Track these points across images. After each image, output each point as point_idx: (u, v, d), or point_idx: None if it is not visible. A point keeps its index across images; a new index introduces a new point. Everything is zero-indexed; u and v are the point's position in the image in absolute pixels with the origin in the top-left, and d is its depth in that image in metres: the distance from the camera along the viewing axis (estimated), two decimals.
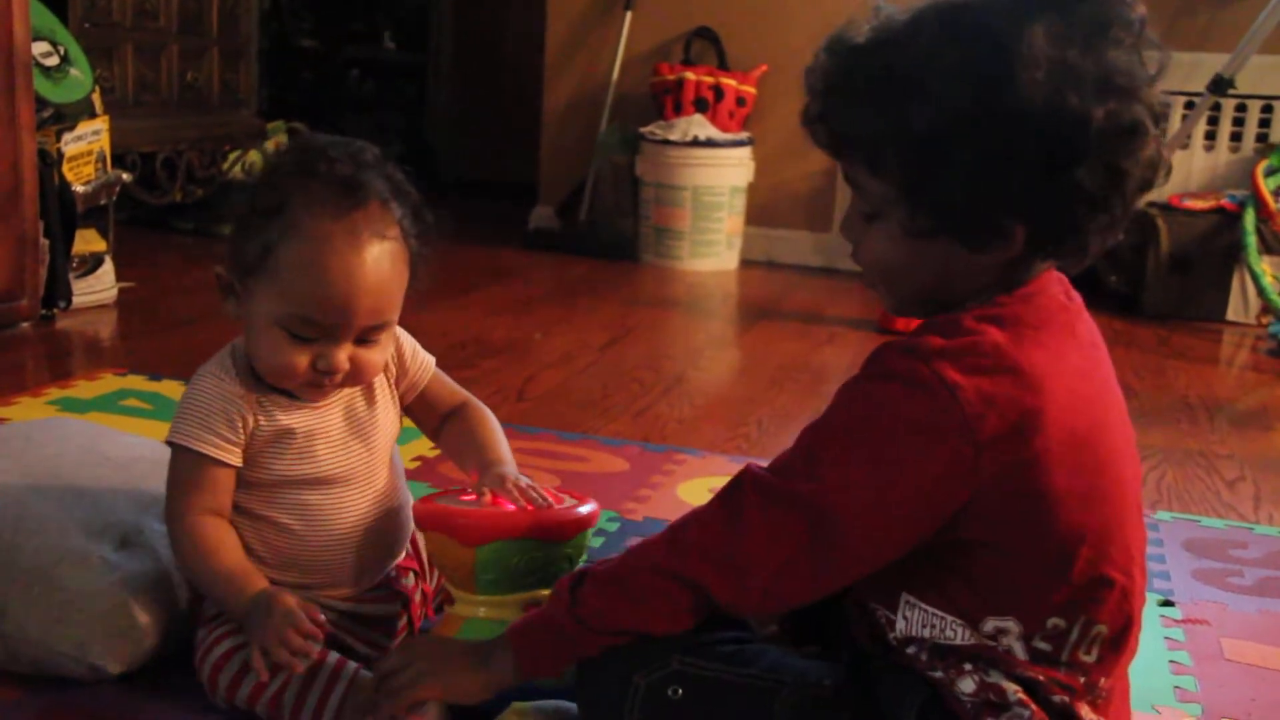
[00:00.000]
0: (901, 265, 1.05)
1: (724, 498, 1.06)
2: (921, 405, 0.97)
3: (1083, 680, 1.04)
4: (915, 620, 1.05)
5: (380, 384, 1.33)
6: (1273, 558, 1.87)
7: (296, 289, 1.19)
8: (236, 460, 1.24)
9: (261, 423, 1.25)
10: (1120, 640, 1.05)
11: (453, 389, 1.40)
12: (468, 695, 1.14)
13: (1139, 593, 1.06)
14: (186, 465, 1.25)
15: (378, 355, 1.25)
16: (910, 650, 1.05)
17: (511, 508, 1.26)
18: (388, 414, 1.34)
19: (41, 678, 1.27)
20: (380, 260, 1.20)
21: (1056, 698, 1.02)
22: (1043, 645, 1.02)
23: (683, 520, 1.08)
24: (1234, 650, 1.55)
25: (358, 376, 1.25)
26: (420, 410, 1.39)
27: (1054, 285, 1.06)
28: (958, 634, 1.03)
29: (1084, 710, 1.03)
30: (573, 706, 1.18)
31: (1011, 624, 1.02)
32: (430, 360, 1.38)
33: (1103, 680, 1.05)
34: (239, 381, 1.26)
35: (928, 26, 0.98)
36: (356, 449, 1.30)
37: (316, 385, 1.24)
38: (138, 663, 1.27)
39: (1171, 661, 1.50)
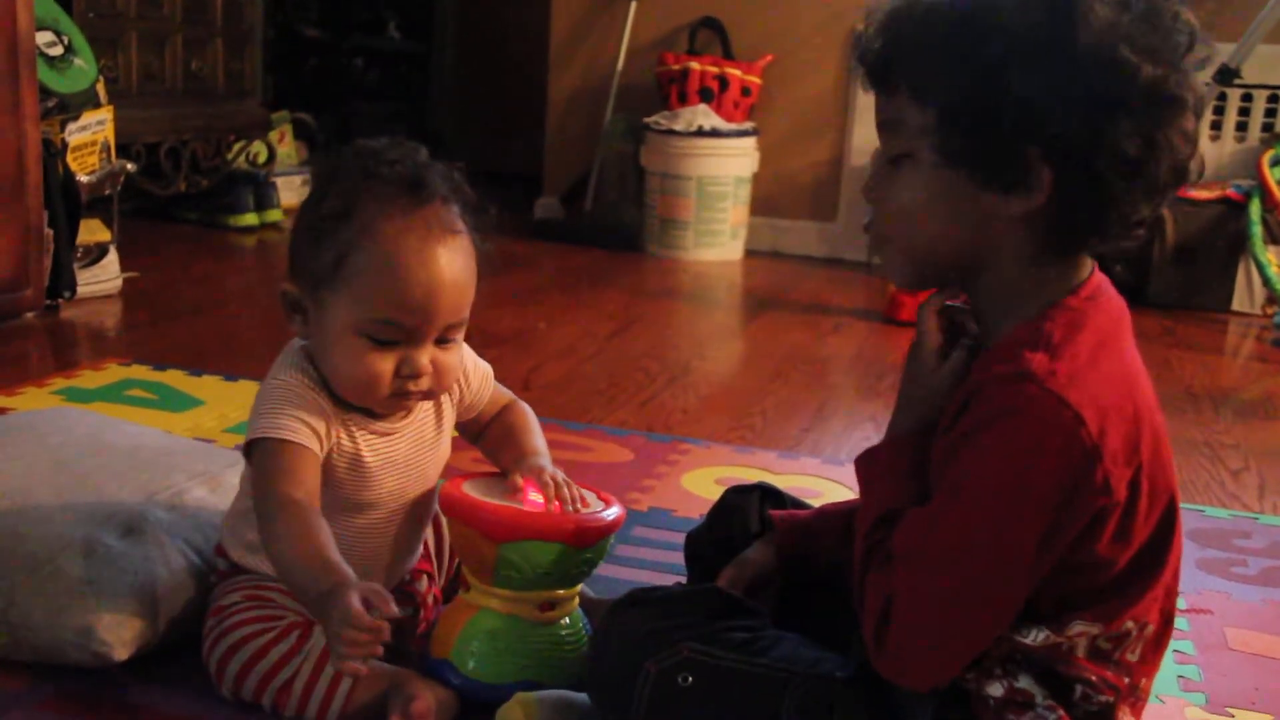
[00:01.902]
0: (923, 210, 1.04)
1: (875, 583, 1.04)
2: (1050, 432, 0.95)
3: (1127, 681, 1.04)
4: None
5: (446, 407, 1.33)
6: (1277, 547, 1.87)
7: (377, 292, 1.17)
8: (319, 450, 1.20)
9: (343, 440, 1.23)
10: (1162, 639, 1.06)
11: (499, 395, 1.40)
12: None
13: (1177, 589, 1.07)
14: (271, 454, 1.18)
15: (454, 357, 1.25)
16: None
17: (538, 507, 1.25)
18: (448, 437, 1.33)
19: (46, 666, 1.27)
20: (455, 255, 1.20)
21: (1103, 697, 1.03)
22: (1105, 645, 1.03)
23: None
24: (1238, 640, 1.55)
25: (439, 380, 1.23)
26: (468, 422, 1.39)
27: (1107, 284, 1.05)
28: (1031, 634, 1.02)
29: (1124, 713, 1.04)
30: (577, 696, 1.18)
31: (1096, 628, 1.02)
32: (488, 373, 1.38)
33: (1143, 681, 1.06)
34: (325, 395, 1.22)
35: None
36: (413, 475, 1.30)
37: (402, 395, 1.22)
38: (142, 650, 1.28)
39: (1175, 651, 1.50)
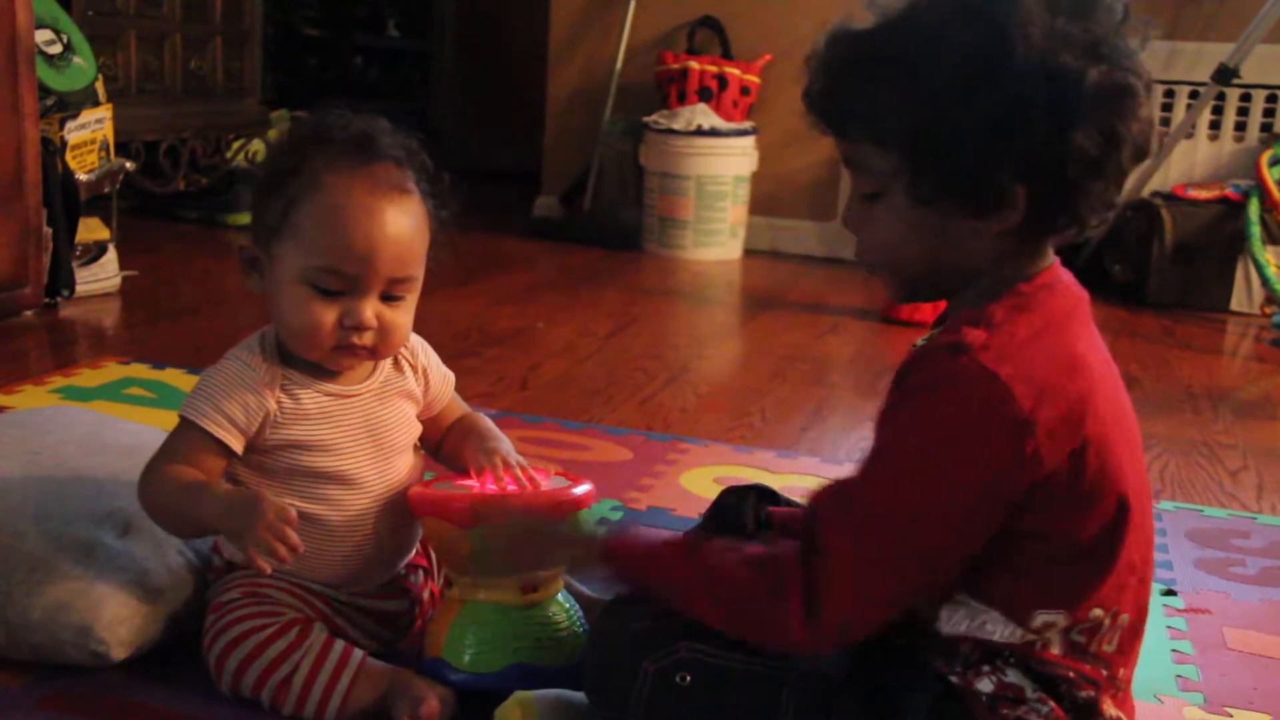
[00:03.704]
0: (905, 243, 1.06)
1: (804, 535, 1.05)
2: (977, 403, 0.98)
3: (1105, 673, 1.05)
4: (959, 616, 1.05)
5: (412, 385, 1.34)
6: (1275, 547, 1.87)
7: (319, 240, 1.20)
8: (236, 446, 1.24)
9: (284, 402, 1.25)
10: (1138, 628, 1.06)
11: (460, 405, 1.42)
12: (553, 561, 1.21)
13: (1150, 580, 1.08)
14: (182, 435, 1.24)
15: (403, 317, 1.26)
16: (955, 645, 1.05)
17: (506, 490, 1.26)
18: (407, 416, 1.34)
19: (44, 665, 1.27)
20: (401, 210, 1.22)
21: (1083, 693, 1.03)
22: (1079, 638, 1.03)
23: (770, 554, 1.06)
24: (1236, 639, 1.55)
25: (385, 339, 1.25)
26: (429, 426, 1.39)
27: (1066, 275, 1.07)
28: (998, 630, 1.03)
29: (1106, 705, 1.04)
30: (575, 695, 1.18)
31: (1060, 617, 1.03)
32: (450, 377, 1.40)
33: (1122, 671, 1.06)
34: (264, 362, 1.26)
35: (925, 3, 1.01)
36: (386, 449, 1.30)
37: (345, 348, 1.24)
38: (141, 649, 1.28)
39: (1174, 650, 1.50)
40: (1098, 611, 1.03)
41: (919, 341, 1.10)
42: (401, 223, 1.22)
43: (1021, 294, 1.03)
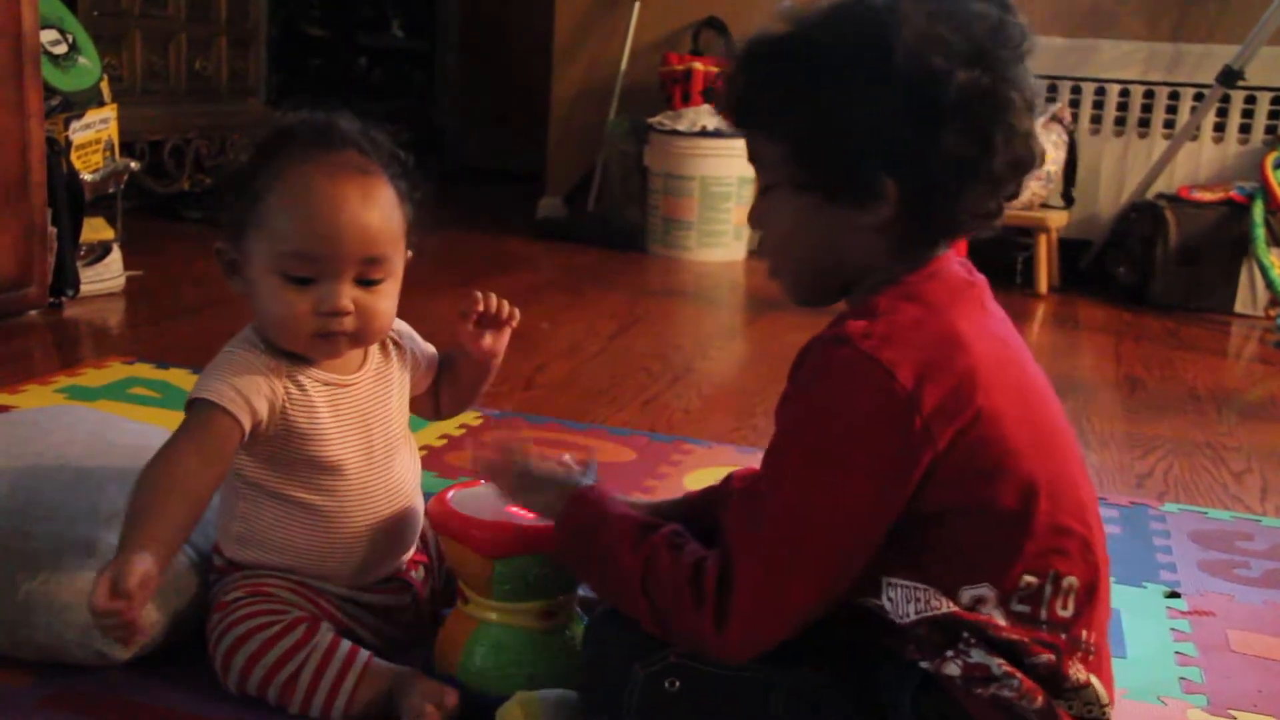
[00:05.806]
0: (794, 235, 1.12)
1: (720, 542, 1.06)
2: (861, 391, 1.01)
3: (1064, 636, 1.04)
4: (900, 599, 1.05)
5: (395, 376, 1.34)
6: (1279, 550, 1.87)
7: (284, 227, 1.21)
8: (246, 422, 1.21)
9: (291, 390, 1.25)
10: (1093, 591, 1.06)
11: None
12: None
13: (1099, 544, 1.08)
14: (196, 412, 1.21)
15: (382, 302, 1.26)
16: (916, 633, 1.05)
17: (530, 520, 1.25)
18: (400, 403, 1.35)
19: (49, 664, 1.28)
20: (366, 191, 1.23)
21: (1042, 658, 1.03)
22: (1021, 607, 1.03)
23: (703, 560, 1.06)
24: (1240, 642, 1.55)
25: (366, 324, 1.25)
26: (423, 398, 1.41)
27: (955, 265, 1.11)
28: (943, 604, 1.04)
29: (1073, 667, 1.04)
30: (576, 695, 1.18)
31: (986, 590, 1.03)
32: (433, 349, 1.41)
33: (1085, 633, 1.06)
34: (268, 354, 1.26)
35: (824, 13, 1.08)
36: (376, 430, 1.31)
37: (325, 335, 1.24)
38: (145, 649, 1.28)
39: (1177, 653, 1.50)
40: (1030, 579, 1.03)
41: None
42: (365, 203, 1.22)
43: (907, 284, 1.07)
